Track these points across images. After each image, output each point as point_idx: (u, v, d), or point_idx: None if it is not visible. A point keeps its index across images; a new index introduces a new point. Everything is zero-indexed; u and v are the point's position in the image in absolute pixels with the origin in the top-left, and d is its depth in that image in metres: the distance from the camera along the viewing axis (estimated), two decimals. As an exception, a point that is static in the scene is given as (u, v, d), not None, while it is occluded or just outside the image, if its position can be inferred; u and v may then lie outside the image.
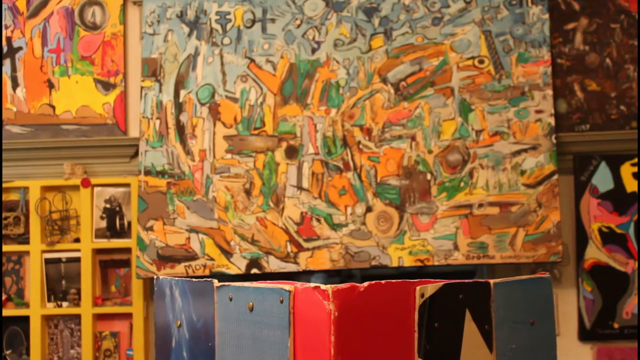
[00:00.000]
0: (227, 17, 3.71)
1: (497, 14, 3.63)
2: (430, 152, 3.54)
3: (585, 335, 3.57)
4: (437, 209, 3.49)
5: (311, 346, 1.01)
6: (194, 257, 3.53)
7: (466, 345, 1.09)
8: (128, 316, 3.69)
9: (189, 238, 3.54)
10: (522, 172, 3.50)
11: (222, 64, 3.67)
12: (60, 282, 3.71)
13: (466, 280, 1.13)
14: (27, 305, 3.72)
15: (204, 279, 1.21)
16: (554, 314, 1.28)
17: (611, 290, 3.57)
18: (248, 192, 3.56)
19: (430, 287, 1.06)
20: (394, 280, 1.04)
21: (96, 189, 3.73)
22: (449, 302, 1.08)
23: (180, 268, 3.52)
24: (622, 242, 3.57)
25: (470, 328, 1.09)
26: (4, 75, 3.83)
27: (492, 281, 1.14)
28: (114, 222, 3.72)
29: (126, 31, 3.85)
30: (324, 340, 0.99)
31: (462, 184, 3.51)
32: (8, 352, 3.71)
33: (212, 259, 3.52)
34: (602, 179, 3.60)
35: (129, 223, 3.72)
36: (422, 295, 1.04)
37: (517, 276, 1.23)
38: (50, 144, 3.78)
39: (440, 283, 1.07)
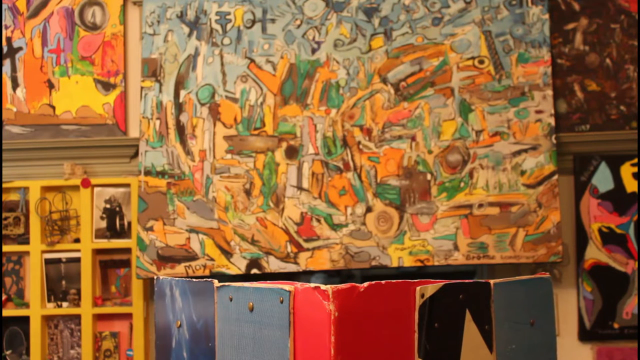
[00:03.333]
0: (227, 17, 3.71)
1: (497, 14, 3.63)
2: (430, 152, 3.54)
3: (585, 335, 3.57)
4: (437, 209, 3.49)
5: (311, 346, 1.01)
6: (194, 258, 3.53)
7: (466, 345, 1.08)
8: (128, 316, 3.69)
9: (189, 238, 3.54)
10: (522, 173, 3.50)
11: (222, 64, 3.67)
12: (60, 282, 3.71)
13: (466, 281, 1.13)
14: (27, 305, 3.72)
15: (204, 279, 1.21)
16: (554, 314, 1.28)
17: (611, 291, 3.57)
18: (248, 193, 3.56)
19: (431, 287, 1.06)
20: (394, 281, 1.04)
21: (96, 189, 3.73)
22: (449, 302, 1.08)
23: (180, 268, 3.52)
24: (622, 242, 3.57)
25: (470, 328, 1.09)
26: (4, 76, 3.83)
27: (492, 281, 1.14)
28: (114, 222, 3.72)
29: (126, 31, 3.85)
30: (324, 340, 0.99)
31: (462, 184, 3.51)
32: (8, 352, 3.71)
33: (212, 259, 3.52)
34: (602, 179, 3.60)
35: (129, 223, 3.72)
36: (423, 296, 1.04)
37: (517, 276, 1.23)
38: (50, 144, 3.78)
39: (440, 283, 1.07)
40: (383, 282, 1.03)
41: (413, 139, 3.55)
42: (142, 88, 3.69)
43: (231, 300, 1.15)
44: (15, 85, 3.83)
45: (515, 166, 3.51)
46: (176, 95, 3.66)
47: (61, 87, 3.81)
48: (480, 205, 3.49)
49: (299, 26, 3.67)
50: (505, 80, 3.57)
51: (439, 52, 3.62)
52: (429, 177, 3.52)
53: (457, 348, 1.07)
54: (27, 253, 3.74)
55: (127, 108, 3.81)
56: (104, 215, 3.72)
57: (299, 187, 3.55)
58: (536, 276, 1.26)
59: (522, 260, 3.45)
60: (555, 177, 3.50)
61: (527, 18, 3.61)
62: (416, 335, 1.03)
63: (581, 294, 3.58)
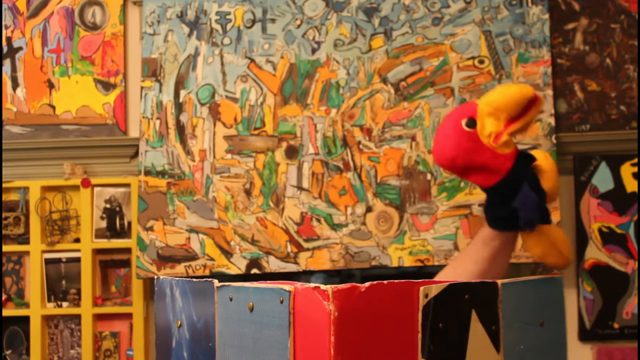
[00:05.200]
0: (227, 17, 3.70)
1: (497, 14, 3.62)
2: (430, 152, 3.53)
3: (585, 335, 3.56)
4: (437, 209, 3.49)
5: (311, 347, 1.01)
6: (194, 257, 3.53)
7: (472, 345, 1.07)
8: (128, 316, 3.69)
9: (189, 238, 3.54)
10: (523, 172, 3.49)
11: (222, 64, 3.66)
12: (60, 282, 3.71)
13: (472, 281, 1.12)
14: (27, 305, 3.72)
15: (205, 279, 1.21)
16: (564, 314, 1.26)
17: (611, 291, 3.57)
18: (248, 192, 3.56)
19: (435, 287, 1.04)
20: (396, 281, 1.03)
21: (96, 189, 3.72)
22: (454, 303, 1.06)
23: (180, 268, 3.52)
24: (622, 242, 3.57)
25: (476, 328, 1.08)
26: (4, 75, 3.83)
27: (499, 282, 1.13)
28: (114, 222, 3.72)
29: (126, 31, 3.85)
30: (324, 340, 0.98)
31: (462, 184, 3.50)
32: (8, 352, 3.71)
33: (212, 259, 3.52)
34: (602, 179, 3.60)
35: (129, 223, 3.71)
36: (427, 296, 1.03)
37: (517, 276, 1.22)
38: (50, 144, 3.78)
39: (445, 283, 1.06)
40: (385, 282, 1.02)
41: (413, 139, 3.55)
42: (142, 88, 3.69)
43: (231, 300, 1.14)
44: (15, 85, 3.83)
45: (515, 166, 3.50)
46: (176, 95, 3.66)
47: (61, 87, 3.81)
48: (481, 205, 3.48)
49: (299, 26, 3.67)
50: (505, 80, 3.57)
51: (439, 52, 3.61)
52: (429, 177, 3.52)
53: (462, 348, 1.07)
54: (27, 253, 3.74)
55: (127, 108, 3.81)
56: (104, 215, 3.72)
57: (299, 187, 3.55)
58: (547, 276, 1.24)
59: (522, 260, 3.45)
60: (556, 177, 3.49)
61: (527, 18, 3.61)
62: (420, 335, 1.02)
63: (581, 294, 3.58)
